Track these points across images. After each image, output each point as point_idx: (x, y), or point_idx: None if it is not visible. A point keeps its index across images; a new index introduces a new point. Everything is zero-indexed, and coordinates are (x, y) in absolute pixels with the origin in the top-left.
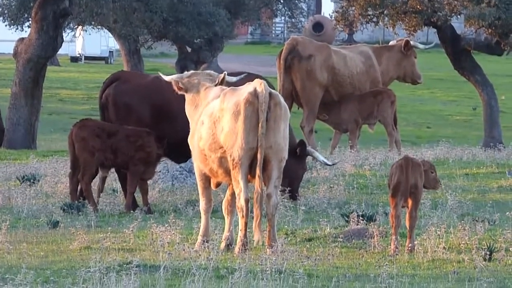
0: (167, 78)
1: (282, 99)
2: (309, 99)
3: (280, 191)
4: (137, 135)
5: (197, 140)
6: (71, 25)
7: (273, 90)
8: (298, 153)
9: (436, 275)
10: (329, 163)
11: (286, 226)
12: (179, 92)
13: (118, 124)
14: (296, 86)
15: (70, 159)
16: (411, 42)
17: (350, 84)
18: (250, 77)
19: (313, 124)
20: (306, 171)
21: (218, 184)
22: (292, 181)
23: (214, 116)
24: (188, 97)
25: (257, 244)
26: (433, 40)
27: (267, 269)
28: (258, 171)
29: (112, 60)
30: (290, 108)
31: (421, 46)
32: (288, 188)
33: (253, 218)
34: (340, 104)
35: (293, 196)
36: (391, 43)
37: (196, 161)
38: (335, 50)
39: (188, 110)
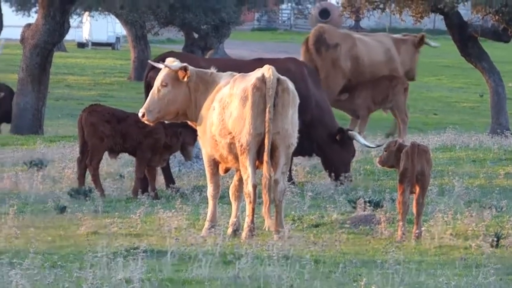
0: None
1: (291, 85)
2: (330, 87)
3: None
4: None
5: (209, 125)
6: (78, 10)
7: (281, 76)
8: (338, 139)
9: (443, 262)
10: (372, 145)
11: (293, 212)
12: (182, 79)
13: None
14: (320, 74)
15: (79, 144)
16: (425, 40)
17: (371, 73)
18: (291, 61)
19: None
20: (354, 155)
21: (226, 170)
22: (338, 166)
23: (224, 102)
24: (190, 85)
25: (269, 229)
26: (439, 26)
27: (274, 255)
28: (265, 157)
29: (119, 46)
30: None
31: (432, 43)
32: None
33: (260, 204)
34: (354, 90)
35: (337, 177)
36: (397, 36)
37: (205, 147)
38: (359, 38)
39: (196, 97)
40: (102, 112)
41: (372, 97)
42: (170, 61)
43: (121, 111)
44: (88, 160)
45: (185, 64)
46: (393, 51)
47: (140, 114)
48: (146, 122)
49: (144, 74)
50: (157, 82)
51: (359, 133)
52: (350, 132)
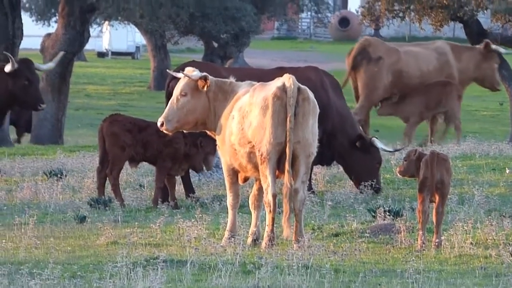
0: (177, 74)
1: (311, 94)
2: (369, 96)
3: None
4: None
5: (228, 135)
6: (98, 20)
7: (301, 85)
8: (358, 146)
9: (463, 271)
10: (390, 149)
11: (312, 221)
12: (202, 89)
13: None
14: (360, 86)
15: (99, 154)
16: (493, 46)
17: (420, 83)
18: (311, 70)
19: (363, 117)
20: (380, 162)
21: (245, 179)
22: (362, 174)
23: (243, 111)
24: (209, 94)
25: (287, 239)
26: (459, 35)
27: (294, 264)
28: (287, 166)
29: (138, 56)
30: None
31: (502, 50)
32: (365, 183)
33: (280, 213)
34: (406, 96)
35: (358, 185)
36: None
37: (224, 156)
38: (406, 50)
39: (215, 106)
40: (123, 122)
41: (425, 103)
42: (189, 70)
43: (141, 120)
44: (108, 170)
45: (205, 73)
46: (449, 57)
47: (159, 123)
48: (164, 131)
49: (165, 83)
50: (176, 92)
51: (406, 141)
52: (371, 138)
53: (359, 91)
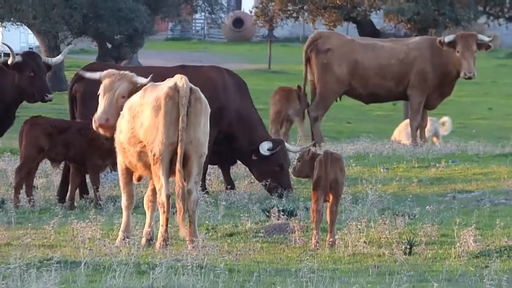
0: (92, 75)
1: (202, 95)
2: (324, 90)
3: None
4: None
5: (117, 132)
6: None
7: (193, 85)
8: (254, 158)
9: (356, 269)
10: (292, 149)
11: (207, 222)
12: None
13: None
14: (314, 78)
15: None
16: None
17: (378, 75)
18: (213, 69)
19: (320, 113)
20: (281, 164)
21: (139, 178)
22: (265, 176)
23: (133, 110)
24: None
25: (183, 238)
26: (352, 34)
27: (188, 264)
28: (178, 166)
29: None
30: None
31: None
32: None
33: (174, 213)
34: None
35: (270, 189)
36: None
37: (118, 154)
38: (362, 43)
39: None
40: (43, 125)
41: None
42: (129, 75)
43: (62, 120)
44: (17, 168)
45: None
46: (422, 51)
47: (102, 120)
48: (102, 129)
49: (69, 86)
50: (116, 93)
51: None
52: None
53: (316, 88)
